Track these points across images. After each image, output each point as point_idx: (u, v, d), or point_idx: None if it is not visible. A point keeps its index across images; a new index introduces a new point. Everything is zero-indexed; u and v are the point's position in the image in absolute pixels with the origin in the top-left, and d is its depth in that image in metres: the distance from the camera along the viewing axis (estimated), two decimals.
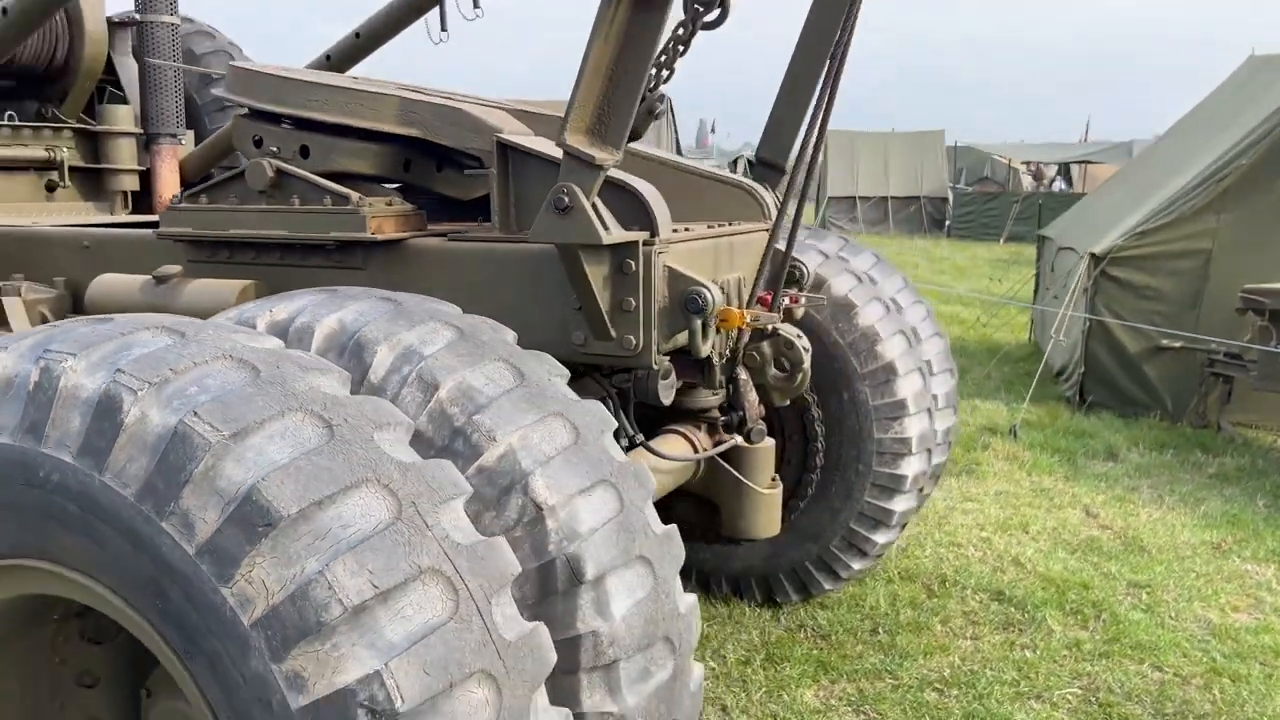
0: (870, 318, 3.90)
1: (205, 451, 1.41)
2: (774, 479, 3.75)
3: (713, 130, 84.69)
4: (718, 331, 2.84)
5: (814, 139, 3.04)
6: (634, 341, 2.64)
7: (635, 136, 3.17)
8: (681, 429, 3.57)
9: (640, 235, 2.60)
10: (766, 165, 3.63)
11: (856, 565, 4.08)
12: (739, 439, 3.58)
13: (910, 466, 3.93)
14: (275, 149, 3.00)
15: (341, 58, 4.40)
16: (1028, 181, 30.92)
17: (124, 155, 4.58)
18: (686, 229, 3.05)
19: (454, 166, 3.30)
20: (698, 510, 3.89)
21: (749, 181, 3.47)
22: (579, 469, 1.90)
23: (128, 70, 4.77)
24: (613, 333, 2.64)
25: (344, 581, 1.36)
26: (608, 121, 2.42)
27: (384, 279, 2.84)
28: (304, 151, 2.98)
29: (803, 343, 3.11)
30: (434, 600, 1.44)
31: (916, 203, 28.14)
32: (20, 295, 3.25)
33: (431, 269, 2.84)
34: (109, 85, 4.94)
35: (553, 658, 1.62)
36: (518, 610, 1.61)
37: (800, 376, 3.12)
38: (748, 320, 2.87)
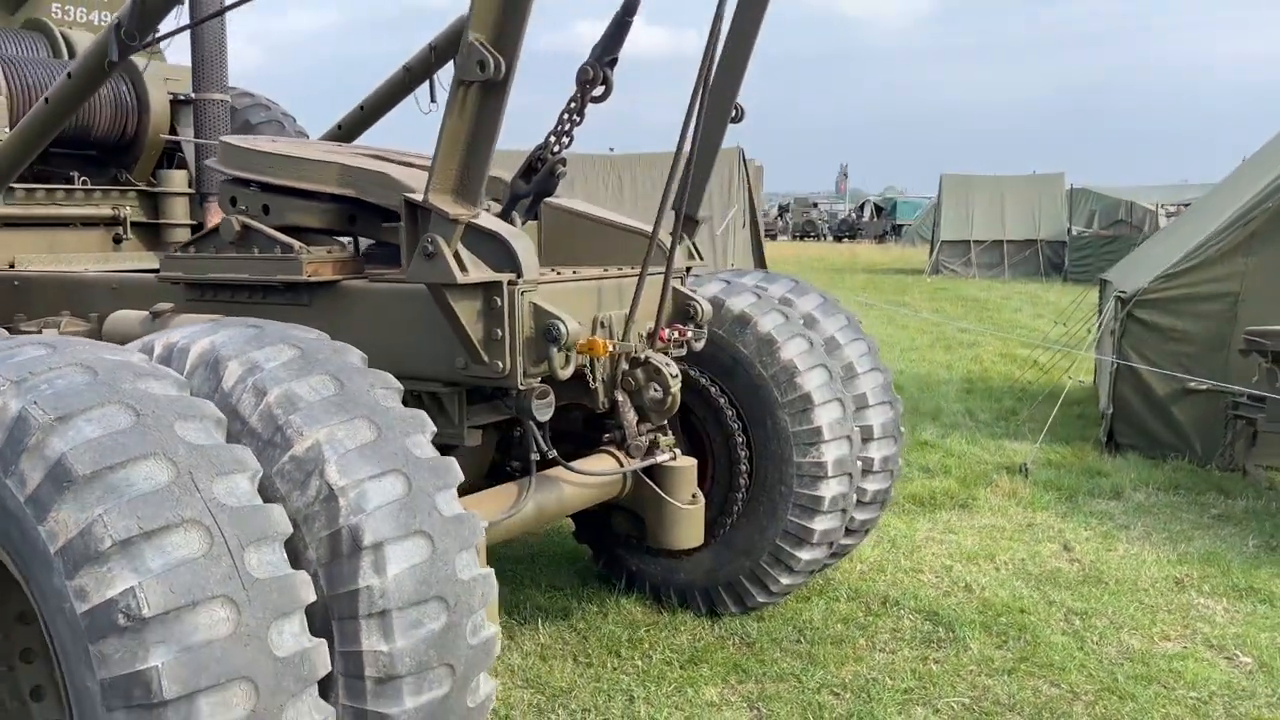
0: (791, 352, 4.28)
1: (37, 429, 2.00)
2: (695, 495, 4.18)
3: (845, 175, 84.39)
4: (582, 357, 3.31)
5: (681, 191, 3.48)
6: (502, 366, 3.15)
7: (547, 193, 3.72)
8: (611, 450, 4.06)
9: (506, 276, 3.12)
10: (682, 215, 4.10)
11: (785, 580, 4.42)
12: (659, 459, 4.04)
13: (828, 489, 4.26)
14: (244, 208, 3.65)
15: (350, 127, 5.10)
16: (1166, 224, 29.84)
17: (179, 211, 5.40)
18: (572, 271, 3.55)
19: (399, 219, 3.90)
20: (630, 523, 4.34)
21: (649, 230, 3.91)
22: (373, 460, 2.41)
23: (188, 138, 5.60)
24: (485, 358, 3.16)
25: (117, 523, 1.91)
26: (465, 183, 2.95)
27: (324, 313, 3.45)
28: (265, 209, 3.62)
29: (670, 370, 3.53)
30: (191, 542, 1.97)
31: (1033, 246, 27.60)
32: (59, 328, 3.99)
33: (357, 305, 3.43)
34: (176, 150, 5.79)
35: (306, 596, 2.13)
36: (285, 559, 2.13)
37: (670, 400, 3.54)
38: (612, 349, 3.34)
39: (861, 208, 57.65)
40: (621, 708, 3.76)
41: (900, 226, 50.45)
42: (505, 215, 3.71)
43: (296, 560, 2.29)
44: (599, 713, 3.73)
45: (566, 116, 3.52)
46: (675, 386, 3.53)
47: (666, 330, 3.72)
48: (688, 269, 4.21)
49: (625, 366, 3.55)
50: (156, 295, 3.85)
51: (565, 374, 3.20)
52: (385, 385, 2.65)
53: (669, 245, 3.70)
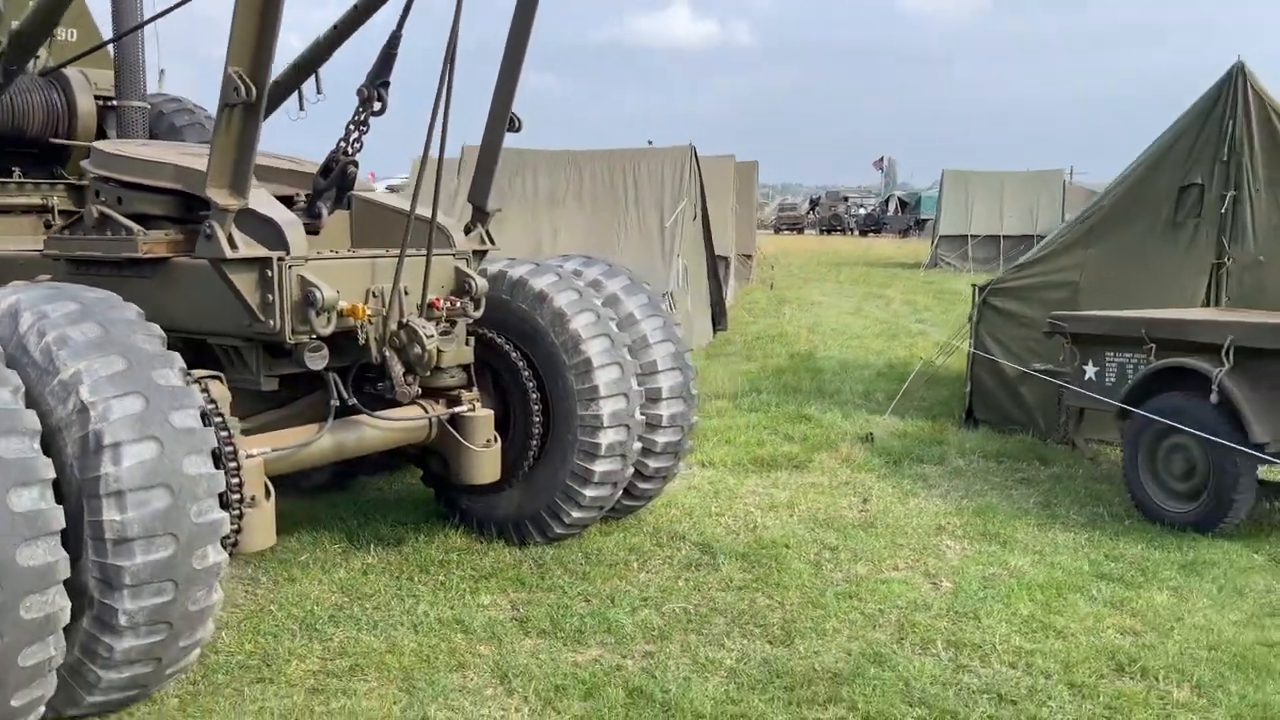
0: (578, 324, 5.12)
1: None
2: (489, 440, 5.05)
3: (881, 169, 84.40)
4: (346, 319, 4.17)
5: (432, 176, 4.30)
6: (274, 325, 4.04)
7: (346, 188, 4.59)
8: (423, 402, 4.94)
9: (276, 253, 4.00)
10: (474, 206, 4.97)
11: (575, 514, 5.26)
12: (461, 410, 4.92)
13: (606, 437, 5.11)
14: (104, 199, 4.56)
15: None
16: None
17: None
18: (349, 251, 4.43)
19: None
20: (440, 463, 5.22)
21: (441, 219, 4.75)
22: (119, 384, 3.30)
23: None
24: (261, 318, 4.05)
25: None
26: (234, 180, 3.84)
27: (160, 282, 4.34)
28: (119, 200, 4.53)
29: (426, 331, 4.38)
30: None
31: (1029, 241, 27.92)
32: None
33: (180, 276, 4.32)
34: None
35: (46, 474, 3.02)
36: (32, 447, 3.03)
37: (426, 356, 4.39)
38: (368, 314, 4.21)
39: (886, 202, 57.81)
40: (407, 606, 4.63)
41: (924, 221, 50.68)
42: (311, 204, 4.61)
43: (60, 456, 3.20)
44: (386, 610, 4.60)
45: (353, 128, 4.41)
46: (431, 345, 4.38)
47: (441, 300, 4.58)
48: (479, 253, 5.05)
49: (394, 328, 4.40)
50: (44, 269, 4.79)
51: (325, 331, 4.08)
52: (147, 333, 3.54)
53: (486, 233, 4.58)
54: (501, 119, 4.80)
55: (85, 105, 6.37)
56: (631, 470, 5.37)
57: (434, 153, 4.06)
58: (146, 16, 5.86)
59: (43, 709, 3.25)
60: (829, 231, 56.25)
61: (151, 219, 4.49)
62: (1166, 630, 4.46)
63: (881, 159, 77.89)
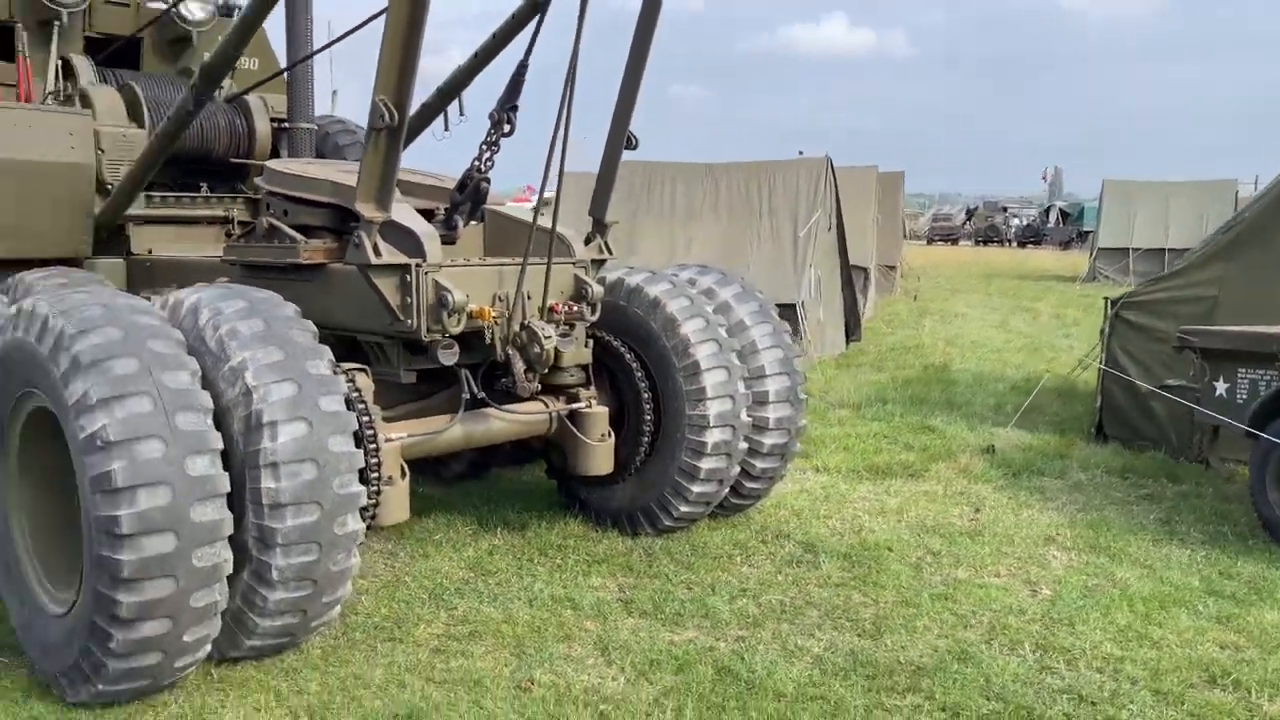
0: (688, 329, 5.46)
1: (68, 338, 3.53)
2: (603, 435, 5.44)
3: (1045, 178, 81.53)
4: (474, 320, 4.62)
5: (555, 189, 4.70)
6: (412, 324, 4.53)
7: (479, 202, 5.07)
8: (544, 398, 5.39)
9: (414, 260, 4.49)
10: (594, 219, 5.38)
11: (683, 508, 5.58)
12: (579, 406, 5.34)
13: (712, 436, 5.41)
14: (273, 212, 5.17)
15: None
16: None
17: None
18: (481, 260, 4.88)
19: None
20: (559, 455, 5.65)
21: (562, 230, 5.16)
22: (278, 372, 3.83)
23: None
24: (401, 318, 4.55)
25: (97, 389, 3.41)
26: (379, 195, 4.35)
27: (318, 285, 4.90)
28: (285, 213, 5.13)
29: (545, 333, 4.77)
30: (141, 401, 3.45)
31: None
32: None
33: (335, 280, 4.87)
34: None
35: (215, 444, 3.56)
36: (205, 421, 3.58)
37: (544, 355, 4.78)
38: (493, 315, 4.65)
39: (1047, 213, 55.74)
40: (525, 583, 5.05)
41: (1086, 233, 48.63)
42: (448, 217, 5.10)
43: (228, 431, 3.75)
44: (506, 586, 5.03)
45: (485, 148, 4.88)
46: (549, 345, 4.77)
47: (560, 304, 4.99)
48: (598, 262, 5.44)
49: (516, 329, 4.83)
50: (224, 273, 5.46)
51: (455, 330, 4.54)
52: (302, 328, 4.07)
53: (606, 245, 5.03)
54: (620, 137, 5.18)
55: (262, 128, 7.13)
56: (738, 469, 5.65)
57: (554, 170, 4.48)
58: (315, 47, 6.55)
59: (209, 647, 3.80)
60: (985, 243, 54.62)
61: (312, 229, 5.06)
62: (1271, 648, 4.43)
63: (1047, 171, 75.12)
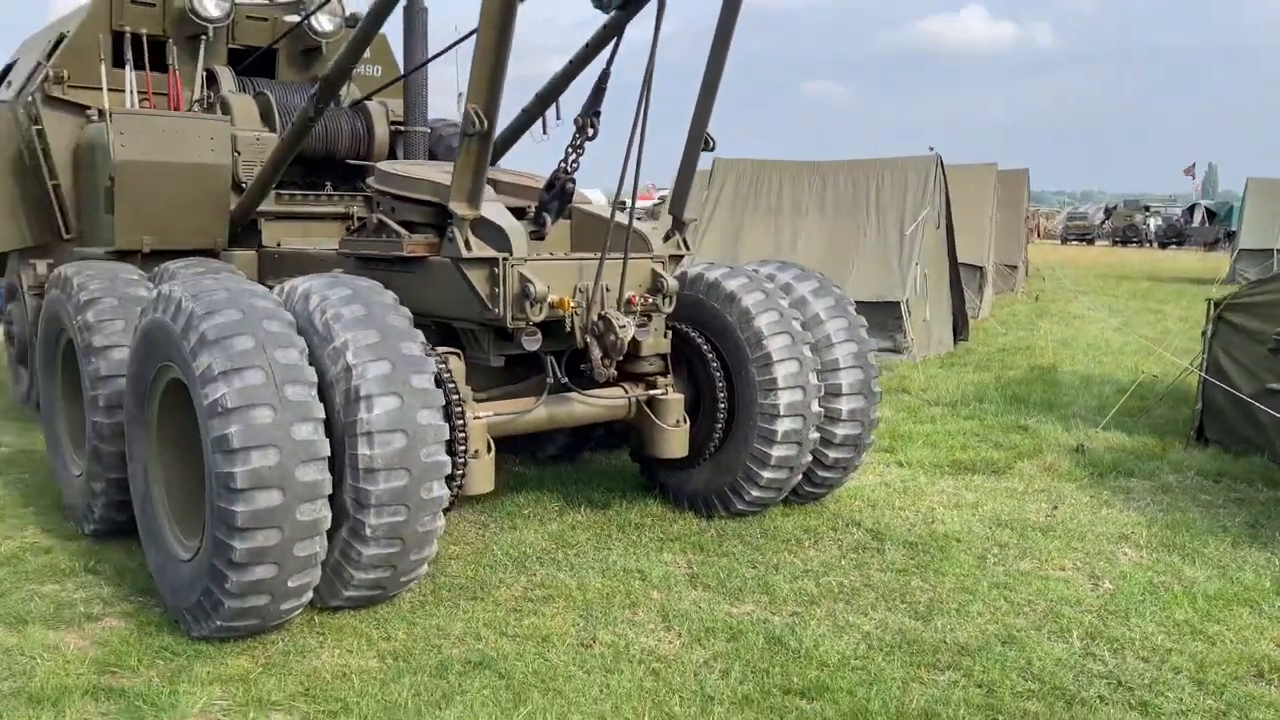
0: (762, 322, 5.73)
1: (197, 318, 4.07)
2: (678, 421, 5.77)
3: (1193, 176, 77.67)
4: (555, 310, 5.00)
5: (631, 187, 5.03)
6: (499, 312, 4.95)
7: (566, 201, 5.46)
8: (625, 384, 5.76)
9: (501, 254, 4.92)
10: (673, 217, 5.70)
11: (755, 492, 5.86)
12: (656, 393, 5.69)
13: (782, 425, 5.68)
14: (382, 209, 5.68)
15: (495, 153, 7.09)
16: None
17: None
18: (564, 255, 5.27)
19: None
20: (638, 439, 6.00)
21: (638, 226, 5.49)
22: (375, 352, 4.29)
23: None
24: (490, 307, 4.98)
25: (222, 364, 3.94)
26: (471, 195, 4.79)
27: (420, 276, 5.37)
28: (393, 210, 5.63)
29: (619, 323, 5.11)
30: (257, 377, 3.96)
31: None
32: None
33: (434, 271, 5.33)
34: None
35: (318, 414, 4.04)
36: (310, 393, 4.07)
37: (619, 343, 5.12)
38: (571, 305, 5.02)
39: (1190, 211, 53.13)
40: (601, 556, 5.42)
41: (1234, 233, 46.21)
42: (538, 215, 5.51)
43: (330, 403, 4.23)
44: (583, 557, 5.42)
45: (570, 150, 5.27)
46: (624, 334, 5.11)
47: (638, 297, 5.34)
48: (676, 257, 5.75)
49: (594, 319, 5.20)
50: (340, 264, 6.01)
51: (537, 319, 4.94)
52: (399, 314, 4.53)
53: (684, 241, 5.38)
54: (698, 140, 5.49)
55: (381, 131, 7.71)
56: (809, 458, 5.89)
57: (631, 171, 4.83)
58: (431, 54, 7.07)
59: (310, 594, 4.29)
60: (1123, 243, 52.48)
61: (416, 225, 5.54)
62: None
63: (1192, 166, 71.45)
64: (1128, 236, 53.10)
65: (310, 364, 4.24)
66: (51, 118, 7.32)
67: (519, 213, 5.49)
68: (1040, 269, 30.39)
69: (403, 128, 7.64)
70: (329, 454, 4.10)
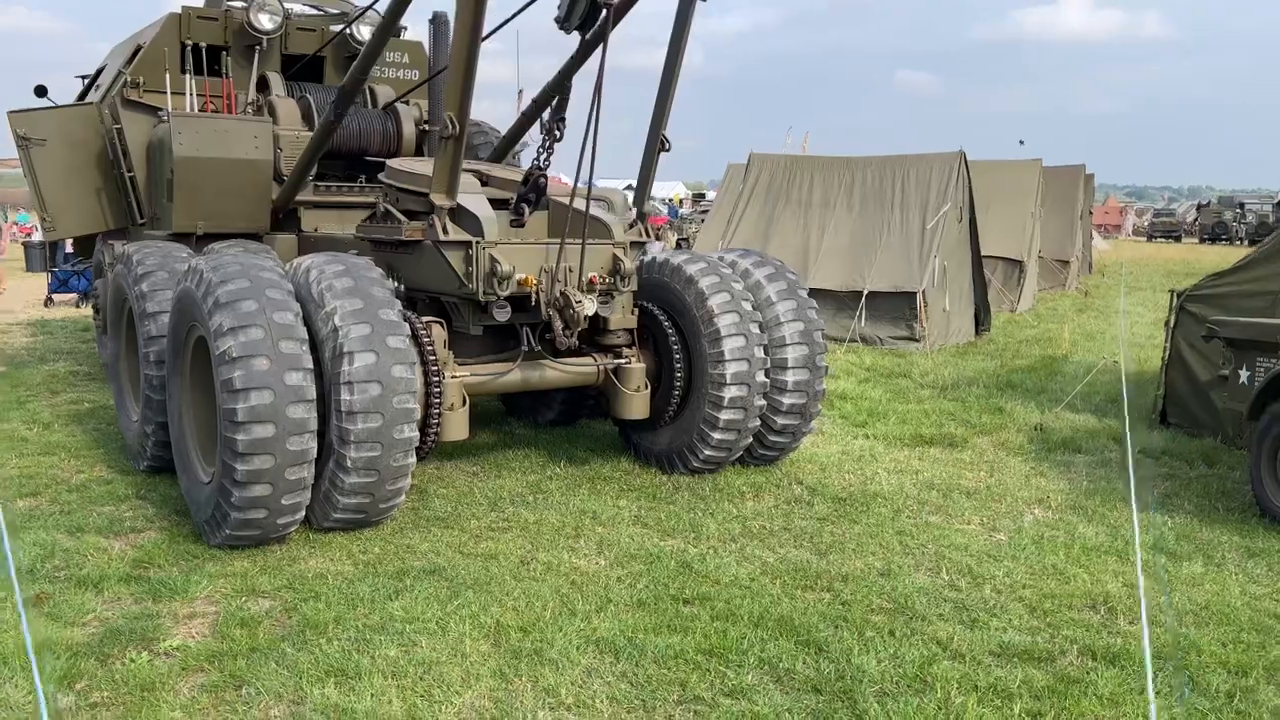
0: (714, 302, 6.54)
1: (214, 284, 5.07)
2: (639, 387, 6.62)
3: None
4: (521, 287, 5.89)
5: (588, 181, 5.89)
6: (473, 288, 5.86)
7: (540, 193, 6.34)
8: (595, 355, 6.64)
9: (475, 238, 5.82)
10: (637, 210, 6.54)
11: (707, 452, 6.67)
12: (621, 362, 6.54)
13: (728, 392, 6.48)
14: (388, 199, 6.63)
15: (499, 152, 8.02)
16: None
17: None
18: (531, 239, 6.15)
19: None
20: (606, 402, 6.86)
21: (602, 215, 6.33)
22: (357, 316, 5.24)
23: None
24: (465, 284, 5.89)
25: (230, 323, 4.93)
26: (449, 186, 5.71)
27: (416, 257, 6.32)
28: (397, 200, 6.58)
29: (576, 299, 5.96)
30: (257, 333, 4.94)
31: None
32: None
33: (425, 252, 6.25)
34: None
35: (307, 364, 5.00)
36: (301, 348, 5.04)
37: (576, 317, 5.97)
38: (535, 283, 5.90)
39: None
40: (564, 499, 6.29)
41: None
42: (517, 205, 6.39)
43: (320, 358, 5.19)
44: (550, 499, 6.30)
45: (542, 151, 6.15)
46: (581, 310, 5.96)
47: (598, 277, 6.18)
48: (637, 243, 6.58)
49: (556, 295, 6.06)
50: (357, 246, 7.00)
51: (504, 294, 5.83)
52: (382, 286, 5.48)
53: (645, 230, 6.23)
54: (655, 141, 6.32)
55: (408, 131, 8.70)
56: (757, 423, 6.67)
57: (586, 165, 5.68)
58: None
59: (303, 513, 5.26)
60: (1212, 240, 51.25)
61: (416, 214, 6.49)
62: (1169, 587, 5.05)
63: None
64: (1216, 234, 51.81)
65: (305, 325, 5.20)
66: (129, 118, 8.49)
67: (507, 203, 6.40)
68: (1107, 265, 30.25)
69: (428, 127, 8.61)
70: (314, 397, 5.06)
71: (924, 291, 13.05)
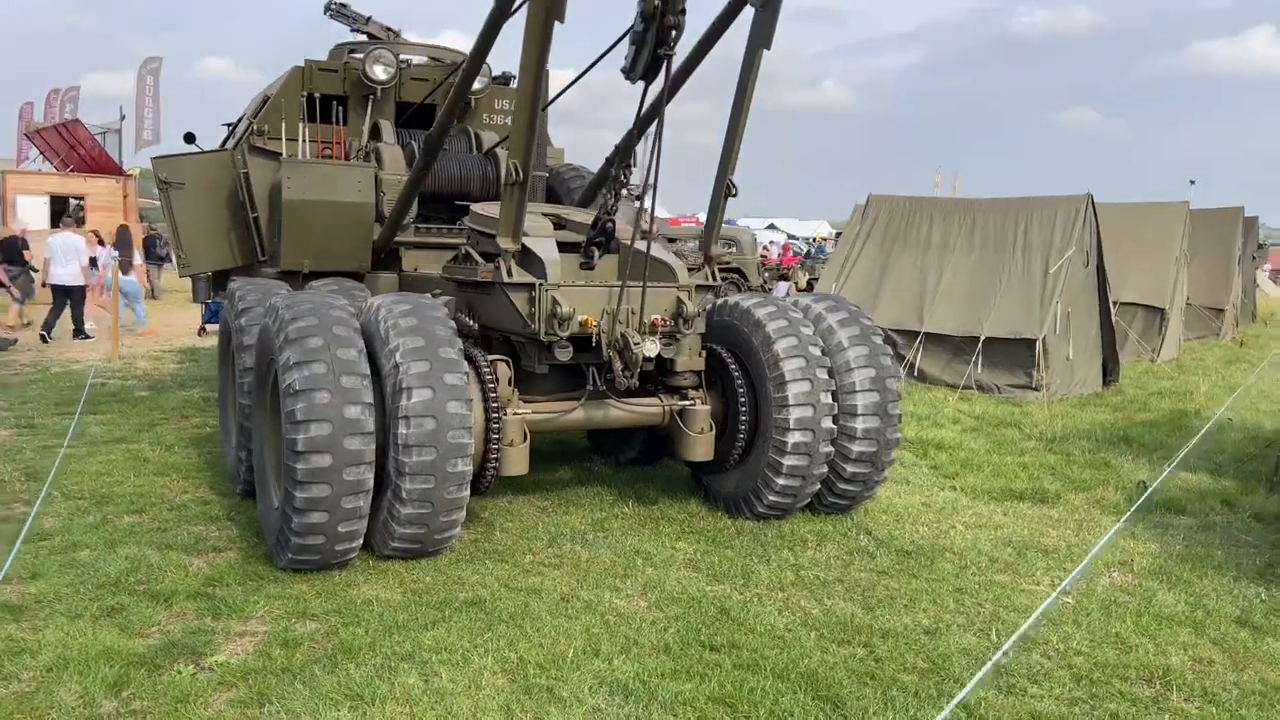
0: (780, 346, 6.52)
1: (285, 321, 5.40)
2: (703, 429, 6.65)
3: None
4: (582, 328, 6.02)
5: (648, 223, 5.99)
6: (536, 328, 6.04)
7: (609, 237, 6.51)
8: (662, 395, 6.72)
9: (538, 280, 6.01)
10: (704, 254, 6.60)
11: (771, 497, 6.62)
12: (687, 404, 6.60)
13: (792, 437, 6.42)
14: (470, 242, 6.91)
15: (584, 197, 8.24)
16: None
17: None
18: (593, 282, 6.28)
19: None
20: (671, 443, 6.91)
21: (667, 259, 6.42)
22: (419, 354, 5.48)
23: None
24: (529, 324, 6.08)
25: (296, 357, 5.24)
26: (514, 230, 5.93)
27: (491, 297, 6.57)
28: (477, 243, 6.86)
29: (634, 340, 6.04)
30: (320, 368, 5.23)
31: None
32: None
33: (496, 293, 6.49)
34: None
35: (367, 399, 5.26)
36: (362, 383, 5.30)
37: (636, 358, 6.05)
38: (595, 324, 6.02)
39: None
40: (623, 539, 6.35)
41: None
42: (586, 249, 6.55)
43: (382, 392, 5.45)
44: (610, 537, 6.37)
45: (609, 196, 6.30)
46: (640, 351, 6.04)
47: (660, 320, 6.26)
48: (707, 287, 6.63)
49: (616, 336, 6.17)
50: (443, 286, 7.31)
51: (565, 334, 5.98)
52: (444, 325, 5.71)
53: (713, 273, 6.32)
54: (721, 187, 6.38)
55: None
56: (823, 469, 6.58)
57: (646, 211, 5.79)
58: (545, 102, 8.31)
59: (359, 541, 5.51)
60: None
61: (491, 256, 6.74)
62: (1242, 666, 4.70)
63: None
64: None
65: (370, 360, 5.48)
66: (254, 163, 9.13)
67: (575, 246, 6.58)
68: (1275, 313, 28.32)
69: None
70: (373, 430, 5.31)
71: (1044, 338, 12.55)
